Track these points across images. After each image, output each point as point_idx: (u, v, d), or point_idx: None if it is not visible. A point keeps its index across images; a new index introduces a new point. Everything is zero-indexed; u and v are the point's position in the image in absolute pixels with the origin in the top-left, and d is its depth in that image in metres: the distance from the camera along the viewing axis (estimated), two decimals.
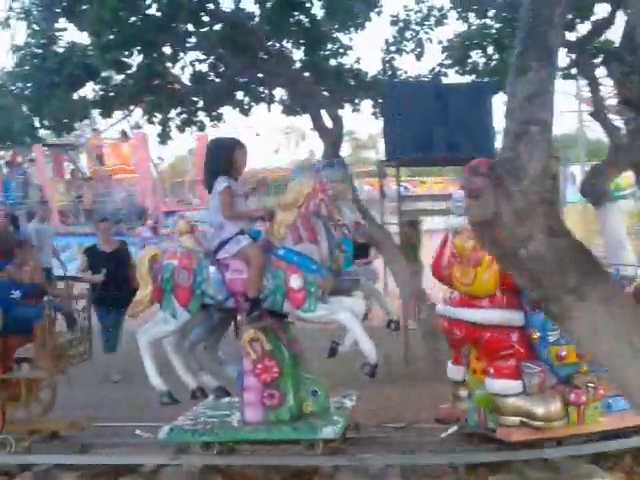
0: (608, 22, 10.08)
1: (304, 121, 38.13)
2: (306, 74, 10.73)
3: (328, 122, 10.17)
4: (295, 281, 5.89)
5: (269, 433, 6.00)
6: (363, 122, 50.61)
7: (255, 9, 10.27)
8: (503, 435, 5.64)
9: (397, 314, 6.59)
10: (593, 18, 10.47)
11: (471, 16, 11.41)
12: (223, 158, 6.15)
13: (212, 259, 6.07)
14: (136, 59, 10.06)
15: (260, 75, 10.78)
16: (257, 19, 10.19)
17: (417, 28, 11.69)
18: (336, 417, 6.13)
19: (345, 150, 47.64)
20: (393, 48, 11.65)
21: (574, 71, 11.66)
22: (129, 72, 10.25)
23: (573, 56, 10.91)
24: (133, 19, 9.49)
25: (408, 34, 11.67)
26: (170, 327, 6.15)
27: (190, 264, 6.08)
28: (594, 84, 10.87)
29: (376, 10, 11.09)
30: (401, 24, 11.66)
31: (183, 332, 6.38)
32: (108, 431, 7.13)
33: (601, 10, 10.44)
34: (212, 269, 6.05)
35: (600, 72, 11.06)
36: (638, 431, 5.48)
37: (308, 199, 5.99)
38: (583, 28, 10.72)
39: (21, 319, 6.76)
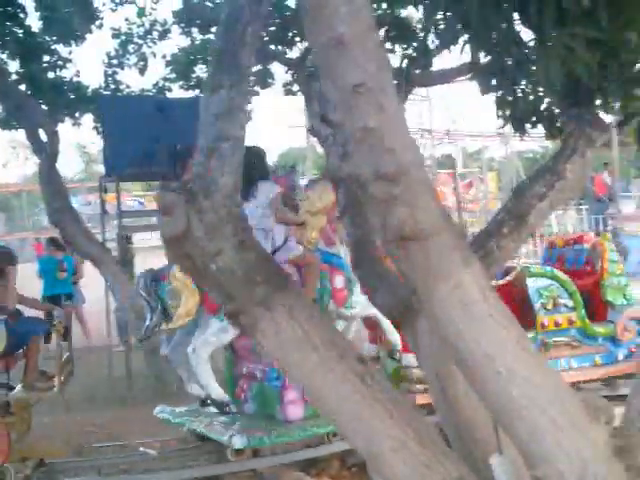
0: None
1: None
2: (22, 87, 10.30)
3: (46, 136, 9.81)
4: (339, 281, 6.45)
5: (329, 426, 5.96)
6: (93, 136, 49.35)
7: None
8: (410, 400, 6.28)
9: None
10: None
11: (194, 31, 11.47)
12: (260, 164, 6.45)
13: None
14: None
15: None
16: None
17: (140, 42, 11.60)
18: None
19: (77, 164, 46.18)
20: (115, 61, 11.47)
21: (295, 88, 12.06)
22: None
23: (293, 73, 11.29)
24: None
25: (131, 48, 11.54)
26: (230, 336, 6.12)
27: None
28: (309, 100, 11.28)
29: (97, 23, 10.87)
30: (123, 37, 11.51)
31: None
32: (108, 451, 6.79)
33: None
34: None
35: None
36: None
37: (334, 205, 6.25)
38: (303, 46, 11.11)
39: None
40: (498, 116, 4.76)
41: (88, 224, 10.16)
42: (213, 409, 6.36)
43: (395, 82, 5.94)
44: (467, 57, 6.15)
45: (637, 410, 2.68)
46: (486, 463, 2.88)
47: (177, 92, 11.57)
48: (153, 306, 6.41)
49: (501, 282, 7.12)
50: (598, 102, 4.15)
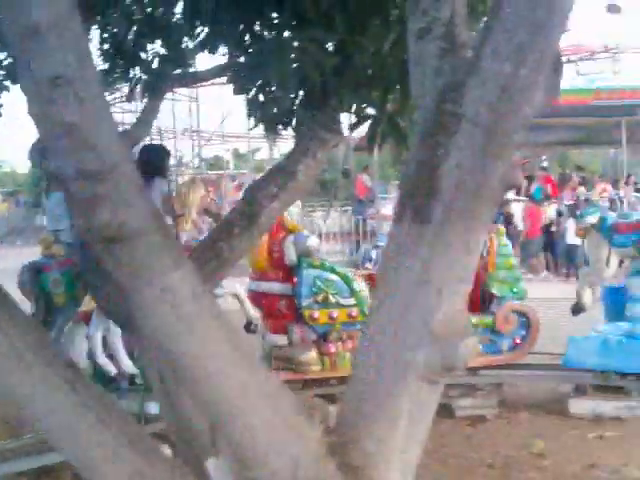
0: None
1: None
2: None
3: None
4: None
5: None
6: None
7: None
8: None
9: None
10: None
11: None
12: (158, 161, 6.83)
13: None
14: None
15: None
16: None
17: None
18: None
19: None
20: None
21: None
22: None
23: None
24: None
25: None
26: None
27: None
28: None
29: None
30: None
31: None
32: None
33: None
34: None
35: None
36: None
37: (203, 198, 8.03)
38: None
39: None
40: (249, 117, 4.75)
41: None
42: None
43: (151, 81, 5.79)
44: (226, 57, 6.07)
45: (351, 407, 2.72)
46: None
47: None
48: (36, 298, 6.88)
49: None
50: (334, 104, 4.23)
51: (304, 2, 3.85)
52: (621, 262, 7.40)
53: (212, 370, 2.45)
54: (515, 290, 7.38)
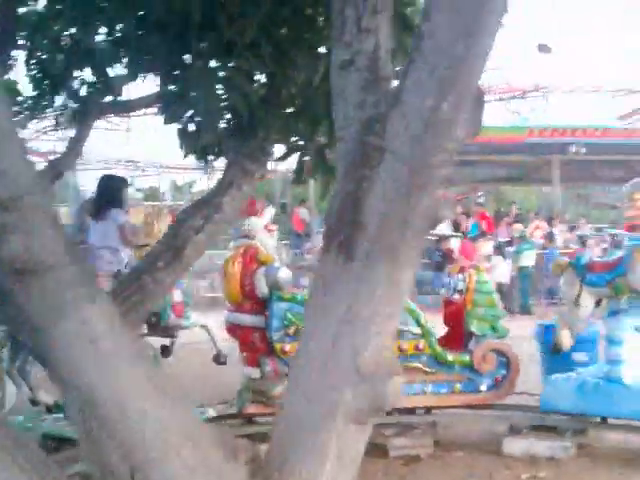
0: None
1: None
2: None
3: None
4: (177, 295, 7.80)
5: None
6: None
7: None
8: (244, 410, 6.85)
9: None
10: None
11: None
12: (113, 192, 7.29)
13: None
14: None
15: None
16: None
17: None
18: None
19: None
20: None
21: None
22: None
23: None
24: None
25: None
26: None
27: None
28: None
29: None
30: None
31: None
32: None
33: None
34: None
35: None
36: None
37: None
38: None
39: None
40: (181, 147, 4.67)
41: None
42: (56, 414, 6.73)
43: (79, 109, 5.65)
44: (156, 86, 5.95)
45: (277, 448, 2.64)
46: None
47: None
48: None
49: None
50: (262, 135, 4.18)
51: (229, 31, 3.81)
52: (599, 302, 7.30)
53: (130, 410, 2.35)
54: (496, 328, 7.28)
